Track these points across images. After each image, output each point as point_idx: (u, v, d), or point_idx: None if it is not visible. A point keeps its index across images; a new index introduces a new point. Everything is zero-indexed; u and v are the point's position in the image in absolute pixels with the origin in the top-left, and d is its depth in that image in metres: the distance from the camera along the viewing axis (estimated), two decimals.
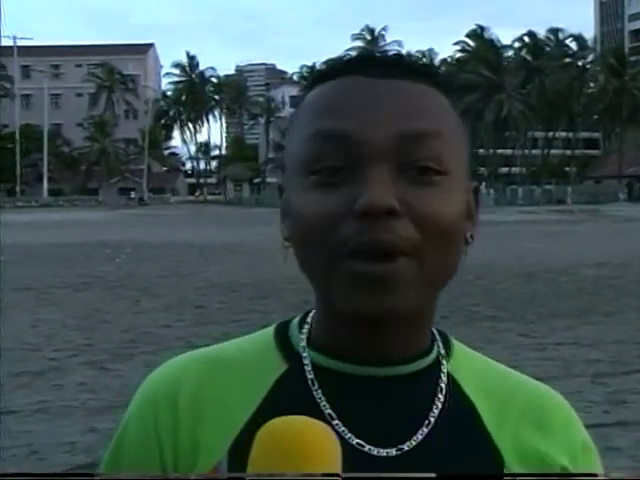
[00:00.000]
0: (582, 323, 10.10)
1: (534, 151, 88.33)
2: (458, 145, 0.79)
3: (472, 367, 0.86)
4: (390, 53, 0.82)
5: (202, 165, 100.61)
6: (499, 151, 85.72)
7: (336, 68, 0.80)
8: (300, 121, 0.80)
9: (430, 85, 0.79)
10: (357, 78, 0.78)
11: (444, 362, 0.84)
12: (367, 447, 0.78)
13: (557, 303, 11.78)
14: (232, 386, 0.82)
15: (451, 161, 0.76)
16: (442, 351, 0.85)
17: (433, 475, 0.64)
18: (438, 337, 0.86)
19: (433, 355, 0.84)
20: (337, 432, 0.77)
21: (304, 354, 0.83)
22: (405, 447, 0.79)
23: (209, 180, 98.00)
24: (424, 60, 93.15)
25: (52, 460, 5.13)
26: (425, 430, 0.80)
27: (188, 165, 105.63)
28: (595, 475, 0.80)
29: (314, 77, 0.82)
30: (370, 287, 0.73)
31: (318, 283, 0.79)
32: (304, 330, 0.84)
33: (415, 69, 0.79)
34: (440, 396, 0.82)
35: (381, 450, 0.79)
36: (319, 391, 0.80)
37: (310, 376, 0.81)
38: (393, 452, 0.79)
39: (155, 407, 0.83)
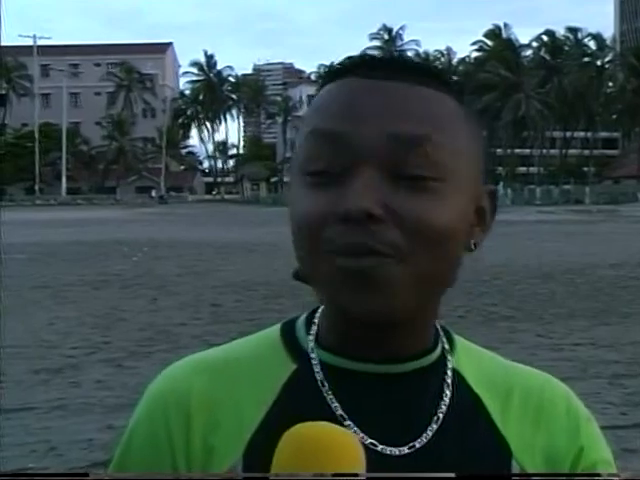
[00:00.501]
0: (600, 324, 10.04)
1: (552, 151, 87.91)
2: (462, 149, 0.76)
3: (474, 360, 0.87)
4: (400, 54, 0.82)
5: (219, 164, 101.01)
6: (517, 151, 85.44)
7: (338, 69, 0.80)
8: (303, 121, 0.80)
9: (434, 87, 0.77)
10: (356, 80, 0.77)
11: (449, 357, 0.84)
12: (380, 447, 0.79)
13: (575, 304, 11.72)
14: (242, 389, 0.82)
15: (449, 166, 0.74)
16: (447, 346, 0.85)
17: (452, 475, 0.64)
18: (441, 332, 0.86)
19: (438, 351, 0.84)
20: None
21: (312, 354, 0.82)
22: (417, 444, 0.79)
23: (226, 179, 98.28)
24: (442, 59, 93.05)
25: (69, 456, 5.17)
26: (434, 427, 0.80)
27: (205, 164, 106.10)
28: (598, 475, 0.81)
29: (322, 78, 0.82)
30: (352, 283, 0.73)
31: (311, 282, 0.79)
32: (312, 329, 0.84)
33: (417, 71, 0.77)
34: (447, 392, 0.82)
35: (394, 449, 0.79)
36: (330, 392, 0.80)
37: (320, 377, 0.81)
38: (405, 450, 0.79)
39: (165, 411, 0.82)
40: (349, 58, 0.80)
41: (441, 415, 0.81)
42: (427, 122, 0.74)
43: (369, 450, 0.77)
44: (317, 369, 0.82)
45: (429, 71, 0.78)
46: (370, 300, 0.73)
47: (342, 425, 0.78)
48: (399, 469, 0.77)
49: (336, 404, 0.80)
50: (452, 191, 0.75)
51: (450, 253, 0.76)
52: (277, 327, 0.87)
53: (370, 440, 0.79)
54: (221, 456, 0.80)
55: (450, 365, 0.84)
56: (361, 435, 0.78)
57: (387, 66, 0.77)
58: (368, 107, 0.74)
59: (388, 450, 0.79)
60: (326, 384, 0.81)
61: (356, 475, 0.63)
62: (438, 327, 0.86)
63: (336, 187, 0.74)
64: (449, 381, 0.83)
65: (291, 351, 0.84)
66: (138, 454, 0.83)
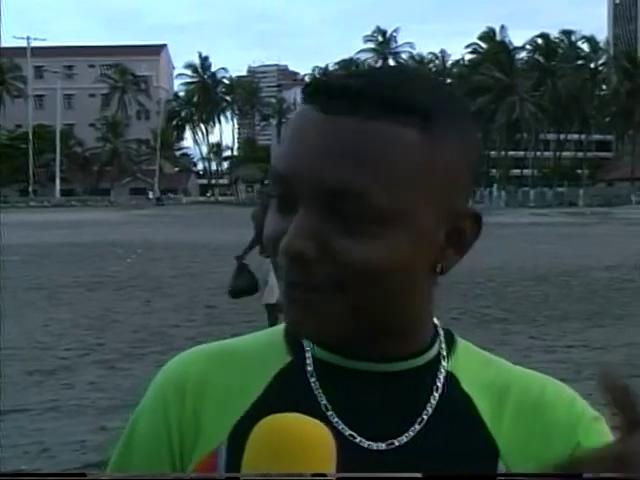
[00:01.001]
0: (593, 326, 10.08)
1: (546, 153, 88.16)
2: (415, 183, 0.75)
3: (476, 364, 0.87)
4: (358, 80, 0.76)
5: (214, 166, 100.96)
6: (511, 153, 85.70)
7: (303, 93, 0.79)
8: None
9: (388, 120, 0.74)
10: (311, 112, 0.76)
11: (442, 361, 0.85)
12: (359, 439, 0.80)
13: (568, 306, 11.75)
14: (236, 375, 0.86)
15: (389, 208, 0.74)
16: (443, 349, 0.85)
17: (419, 475, 0.64)
18: (442, 335, 0.86)
19: (433, 353, 0.84)
20: (330, 422, 0.79)
21: (307, 347, 0.85)
22: (396, 442, 0.80)
23: (221, 181, 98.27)
24: (436, 62, 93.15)
25: (62, 458, 5.17)
26: (417, 427, 0.81)
27: (200, 166, 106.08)
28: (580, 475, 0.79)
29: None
30: (291, 308, 0.78)
31: None
32: None
33: (374, 101, 0.74)
34: (435, 394, 0.83)
35: (372, 443, 0.80)
36: (317, 382, 0.83)
37: (309, 368, 0.84)
38: (383, 446, 0.80)
39: (165, 399, 0.86)
40: (312, 82, 0.79)
41: (425, 417, 0.82)
42: (364, 168, 0.73)
43: (348, 441, 0.79)
44: (309, 361, 0.84)
45: (387, 101, 0.74)
46: (307, 325, 0.78)
47: (325, 415, 0.80)
48: (375, 464, 0.79)
49: (321, 394, 0.82)
50: (394, 230, 0.74)
51: (392, 286, 0.76)
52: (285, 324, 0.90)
53: (350, 432, 0.80)
54: (208, 438, 0.83)
55: (443, 368, 0.84)
56: (341, 426, 0.80)
57: (342, 96, 0.75)
58: (311, 150, 0.74)
59: (366, 444, 0.80)
60: (314, 375, 0.83)
61: (325, 475, 0.63)
62: (440, 330, 0.86)
63: (288, 217, 0.76)
64: (439, 384, 0.83)
65: (290, 345, 0.86)
66: (140, 441, 0.87)
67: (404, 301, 0.79)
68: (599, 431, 0.83)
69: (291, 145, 0.77)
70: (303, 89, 0.79)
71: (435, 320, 0.87)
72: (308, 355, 0.84)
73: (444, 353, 0.85)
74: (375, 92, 0.74)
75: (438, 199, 0.76)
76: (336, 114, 0.74)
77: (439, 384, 0.83)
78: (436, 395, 0.83)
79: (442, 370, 0.84)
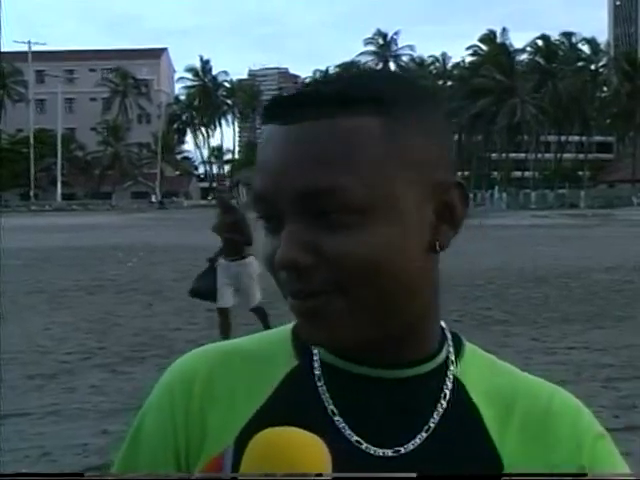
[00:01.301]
0: (594, 327, 10.07)
1: (547, 155, 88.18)
2: (387, 170, 0.75)
3: (483, 370, 0.86)
4: (308, 87, 0.79)
5: (215, 169, 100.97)
6: (512, 155, 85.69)
7: (263, 116, 0.80)
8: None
9: (349, 114, 0.75)
10: (273, 127, 0.78)
11: (451, 366, 0.84)
12: (365, 445, 0.80)
13: (569, 307, 11.74)
14: (244, 377, 0.86)
15: (366, 199, 0.74)
16: (451, 354, 0.85)
17: (414, 475, 0.64)
18: (450, 339, 0.86)
19: (441, 358, 0.84)
20: (337, 428, 0.80)
21: (315, 351, 0.85)
22: (402, 450, 0.80)
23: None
24: (436, 64, 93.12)
25: (64, 462, 5.16)
26: (424, 435, 0.81)
27: (201, 169, 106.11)
28: (585, 475, 0.80)
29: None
30: (301, 319, 0.79)
31: None
32: None
33: (331, 101, 0.75)
34: (443, 401, 0.82)
35: (378, 450, 0.80)
36: (324, 387, 0.83)
37: (317, 372, 0.84)
38: (389, 453, 0.80)
39: (171, 397, 0.86)
40: (268, 103, 0.80)
41: (432, 425, 0.81)
42: (333, 165, 0.74)
43: (354, 447, 0.79)
44: (316, 365, 0.84)
45: (339, 96, 0.75)
46: (317, 333, 0.78)
47: (331, 420, 0.81)
48: (380, 470, 0.78)
49: (329, 399, 0.82)
50: (379, 218, 0.75)
51: (390, 276, 0.76)
52: (292, 324, 0.89)
53: (356, 437, 0.80)
54: (214, 439, 0.83)
55: (450, 374, 0.84)
56: (347, 432, 0.80)
57: (297, 104, 0.76)
58: (280, 162, 0.76)
59: (372, 450, 0.80)
60: (322, 379, 0.83)
61: (321, 475, 0.64)
62: (448, 334, 0.86)
63: (277, 234, 0.77)
64: (447, 391, 0.83)
65: (297, 348, 0.86)
66: (147, 439, 0.87)
67: (405, 291, 0.78)
68: (603, 449, 0.84)
69: (262, 164, 0.78)
70: (262, 113, 0.80)
71: (442, 323, 0.86)
72: (316, 359, 0.85)
73: (452, 358, 0.85)
74: (326, 91, 0.76)
75: (416, 178, 0.77)
76: (294, 122, 0.76)
77: (447, 391, 0.83)
78: (443, 403, 0.82)
79: (450, 376, 0.84)
